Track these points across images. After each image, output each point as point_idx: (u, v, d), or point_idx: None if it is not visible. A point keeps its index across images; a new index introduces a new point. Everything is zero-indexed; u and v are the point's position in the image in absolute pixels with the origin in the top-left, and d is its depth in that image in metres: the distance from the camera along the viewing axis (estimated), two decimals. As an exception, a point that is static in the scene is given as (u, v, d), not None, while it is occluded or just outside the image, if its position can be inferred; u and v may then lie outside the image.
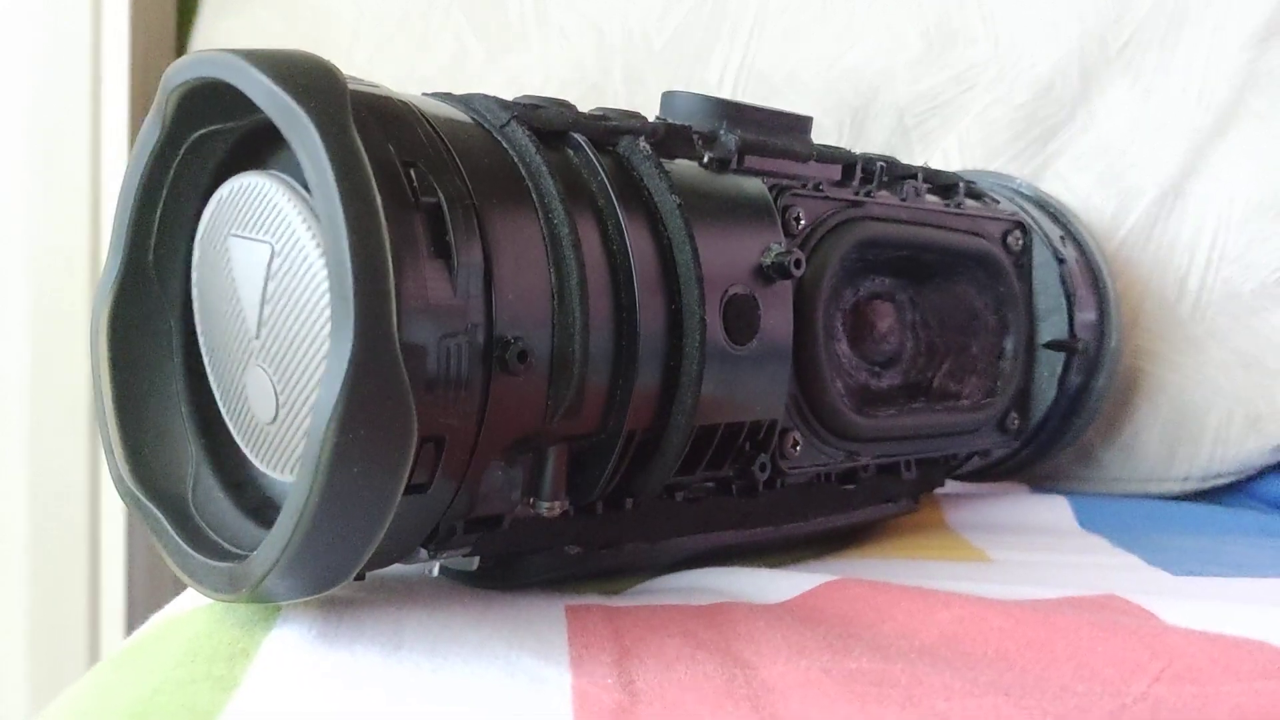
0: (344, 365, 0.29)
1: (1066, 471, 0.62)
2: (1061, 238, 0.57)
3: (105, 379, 0.38)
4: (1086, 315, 0.56)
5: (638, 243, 0.36)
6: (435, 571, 0.38)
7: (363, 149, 0.30)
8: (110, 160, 0.77)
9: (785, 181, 0.43)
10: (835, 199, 0.45)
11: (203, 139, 0.36)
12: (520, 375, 0.32)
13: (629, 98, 0.68)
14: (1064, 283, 0.54)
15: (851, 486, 0.47)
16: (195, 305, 0.36)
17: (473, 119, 0.36)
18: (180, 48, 0.84)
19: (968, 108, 0.65)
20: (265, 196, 0.33)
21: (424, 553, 0.34)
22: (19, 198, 0.76)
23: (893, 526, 0.53)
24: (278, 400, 0.33)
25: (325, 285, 0.31)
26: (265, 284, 0.33)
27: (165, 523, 0.36)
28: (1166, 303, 0.62)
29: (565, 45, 0.69)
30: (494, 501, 0.35)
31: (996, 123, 0.65)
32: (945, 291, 0.52)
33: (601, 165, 0.36)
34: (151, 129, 0.36)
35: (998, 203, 0.55)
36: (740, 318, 0.39)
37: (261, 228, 0.33)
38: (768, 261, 0.40)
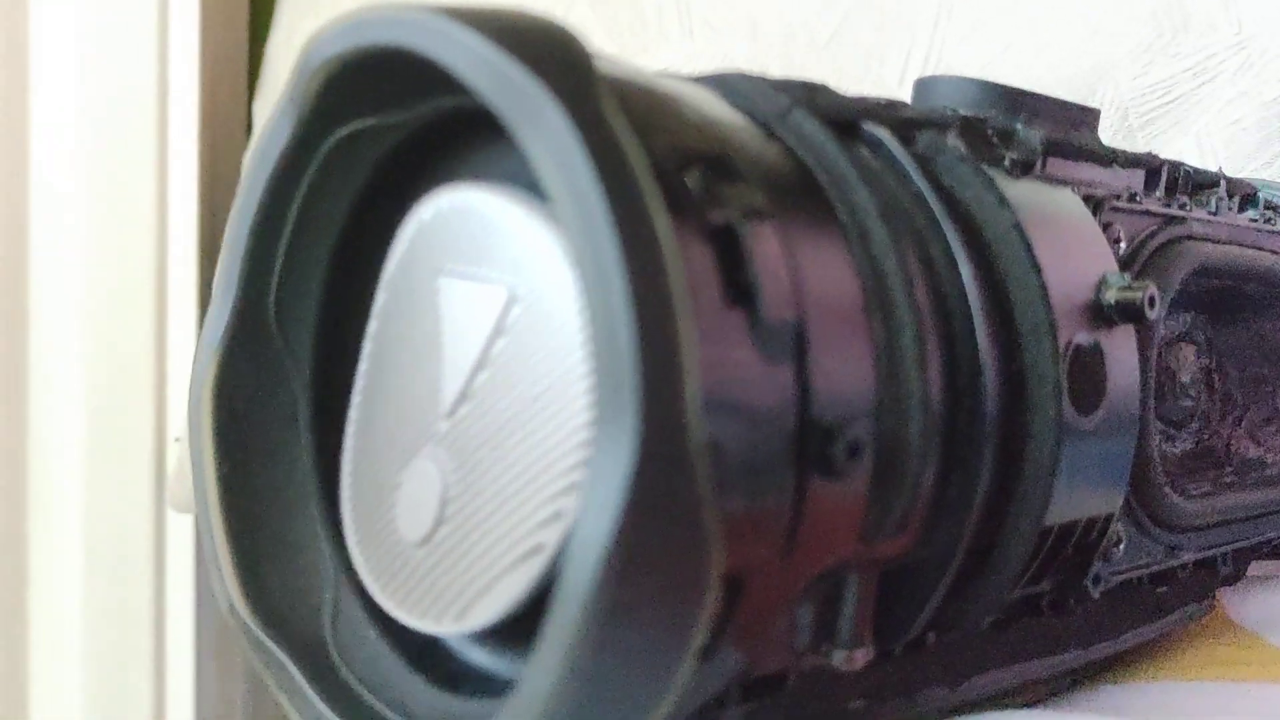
0: (622, 477, 0.18)
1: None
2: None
3: (209, 471, 0.27)
4: None
5: (971, 278, 0.25)
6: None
7: (633, 143, 0.19)
8: (177, 175, 0.67)
9: (1097, 191, 0.33)
10: (1155, 214, 0.34)
11: (350, 140, 0.26)
12: (845, 479, 0.22)
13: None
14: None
15: (1164, 589, 0.36)
16: (363, 365, 0.26)
17: (732, 104, 0.25)
18: (254, 56, 0.75)
19: (1207, 104, 0.54)
20: (502, 218, 0.22)
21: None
22: (80, 213, 0.67)
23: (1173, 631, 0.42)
24: (442, 511, 0.23)
25: (583, 340, 0.21)
26: (491, 342, 0.22)
27: (295, 672, 0.26)
28: None
29: (712, 40, 0.59)
30: (777, 654, 0.24)
31: (1243, 121, 0.54)
32: (1249, 329, 0.41)
33: (918, 171, 0.26)
34: (280, 125, 0.26)
35: (1291, 217, 0.45)
36: (1086, 377, 0.28)
37: (495, 263, 0.22)
38: (1110, 299, 0.29)
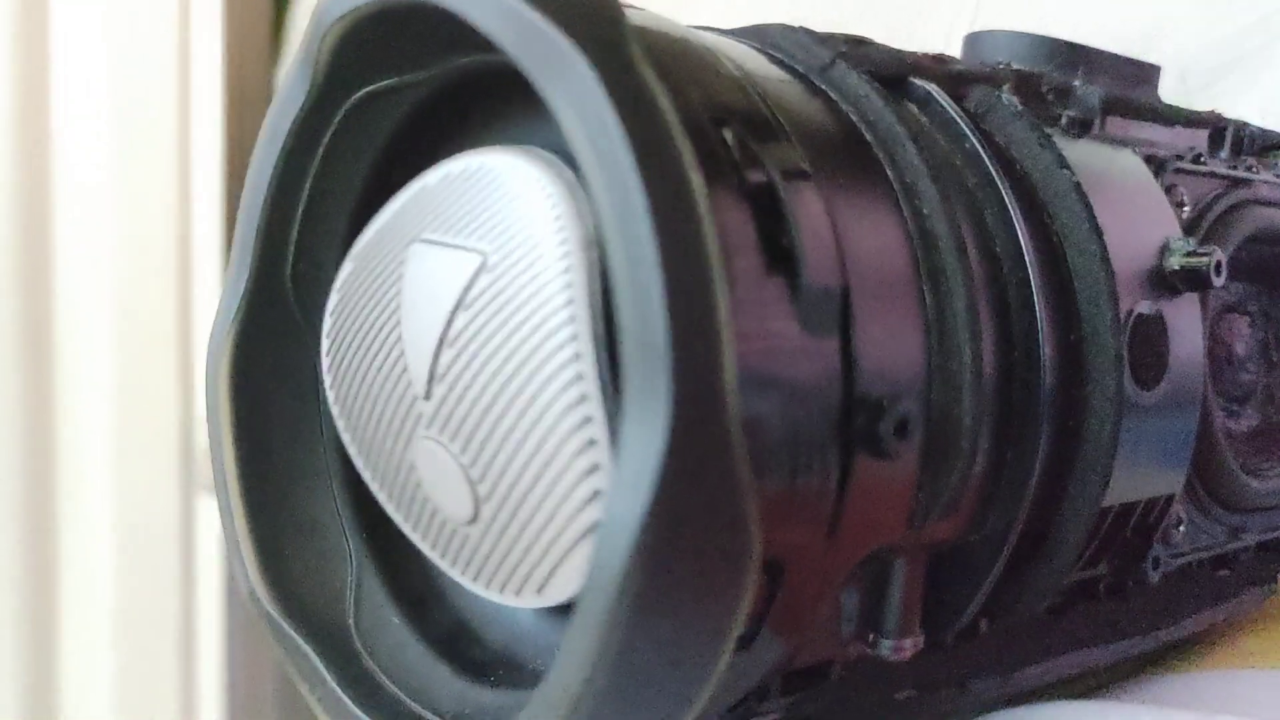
0: (654, 457, 0.17)
1: None
2: None
3: (228, 450, 0.26)
4: None
5: (1027, 242, 0.24)
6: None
7: (665, 97, 0.18)
8: (201, 149, 0.66)
9: (1159, 152, 0.31)
10: (1221, 176, 0.32)
11: (368, 102, 0.25)
12: (894, 458, 0.20)
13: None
14: None
15: (1226, 572, 0.34)
16: (325, 344, 0.25)
17: (772, 58, 0.24)
18: (278, 26, 0.74)
19: (1273, 63, 0.52)
20: (503, 178, 0.21)
21: (722, 727, 0.22)
22: (103, 189, 0.66)
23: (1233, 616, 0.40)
24: (475, 493, 0.22)
25: (564, 317, 0.20)
26: (452, 314, 0.21)
27: (316, 660, 0.25)
28: None
29: (751, 1, 0.57)
30: (820, 643, 0.23)
31: (1307, 82, 0.51)
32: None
33: (971, 127, 0.24)
34: (294, 88, 0.24)
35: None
36: (1148, 349, 0.26)
37: (477, 229, 0.21)
38: (1174, 265, 0.27)
